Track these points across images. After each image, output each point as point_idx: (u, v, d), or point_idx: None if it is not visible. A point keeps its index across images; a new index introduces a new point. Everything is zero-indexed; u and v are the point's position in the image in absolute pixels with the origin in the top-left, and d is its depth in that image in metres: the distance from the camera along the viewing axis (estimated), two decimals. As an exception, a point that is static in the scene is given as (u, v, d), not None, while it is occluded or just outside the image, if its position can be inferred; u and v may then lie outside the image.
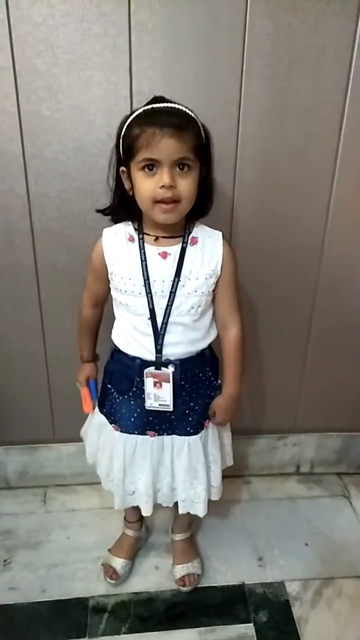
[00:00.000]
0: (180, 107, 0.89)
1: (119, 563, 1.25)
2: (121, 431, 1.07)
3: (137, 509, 1.15)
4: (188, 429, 1.06)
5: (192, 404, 1.06)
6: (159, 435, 1.06)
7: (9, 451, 1.47)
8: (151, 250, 0.96)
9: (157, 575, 1.27)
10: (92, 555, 1.31)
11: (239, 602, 1.21)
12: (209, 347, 1.07)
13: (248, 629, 1.16)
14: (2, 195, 1.17)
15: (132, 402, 1.05)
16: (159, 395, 1.02)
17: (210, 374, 1.08)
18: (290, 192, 1.23)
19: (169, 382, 1.00)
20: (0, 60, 1.05)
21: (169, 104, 0.89)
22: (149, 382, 1.01)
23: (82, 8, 1.03)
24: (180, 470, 1.08)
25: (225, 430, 1.17)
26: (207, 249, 0.98)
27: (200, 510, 1.12)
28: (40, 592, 1.22)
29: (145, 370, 1.01)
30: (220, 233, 1.01)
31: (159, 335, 0.99)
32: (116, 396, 1.07)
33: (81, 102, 1.10)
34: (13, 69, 1.06)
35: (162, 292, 0.96)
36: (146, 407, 1.03)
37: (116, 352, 1.06)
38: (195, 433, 1.06)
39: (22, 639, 1.13)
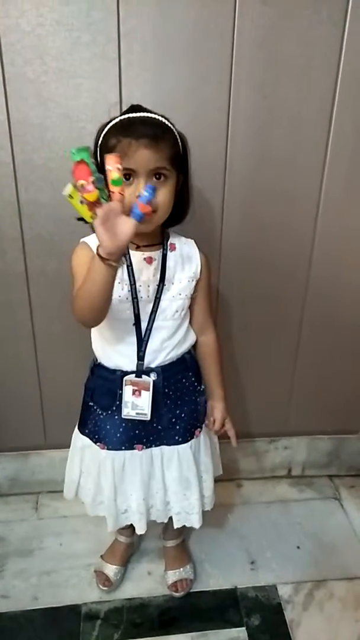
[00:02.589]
0: (157, 116, 0.89)
1: (111, 570, 1.25)
2: (108, 448, 1.05)
3: None
4: (176, 437, 1.06)
5: (177, 412, 1.06)
6: (147, 447, 1.05)
7: (0, 458, 1.46)
8: (136, 255, 0.97)
9: (150, 580, 1.27)
10: (84, 562, 1.30)
11: (232, 606, 1.22)
12: (189, 352, 1.08)
13: (241, 632, 1.16)
14: (-8, 202, 1.17)
15: (116, 417, 1.04)
16: (136, 403, 1.01)
17: (193, 379, 1.09)
18: (279, 200, 1.24)
19: (148, 390, 1.00)
20: (-11, 68, 1.05)
21: (144, 114, 0.89)
22: (127, 390, 1.00)
23: (72, 17, 1.03)
24: (172, 482, 1.07)
25: (213, 438, 1.17)
26: (185, 254, 1.02)
27: (195, 521, 1.11)
28: (32, 599, 1.21)
29: (125, 378, 1.00)
30: (193, 240, 1.04)
31: (142, 342, 0.99)
32: (99, 412, 1.06)
33: (70, 109, 1.10)
34: (2, 77, 1.06)
35: (148, 297, 0.97)
36: (122, 415, 1.02)
37: (96, 366, 1.06)
38: (184, 442, 1.06)
39: (15, 648, 1.12)
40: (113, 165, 0.77)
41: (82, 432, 1.10)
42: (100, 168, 0.81)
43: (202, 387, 1.11)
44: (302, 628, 1.17)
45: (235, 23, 1.07)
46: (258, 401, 1.50)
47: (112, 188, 0.78)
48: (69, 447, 1.22)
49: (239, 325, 1.39)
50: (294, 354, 1.45)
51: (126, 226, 0.78)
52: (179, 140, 0.91)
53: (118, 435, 1.04)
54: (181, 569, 1.25)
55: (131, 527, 1.28)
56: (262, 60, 1.11)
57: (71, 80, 1.08)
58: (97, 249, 0.81)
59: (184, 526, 1.13)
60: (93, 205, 0.78)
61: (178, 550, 1.29)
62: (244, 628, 1.17)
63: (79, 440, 1.11)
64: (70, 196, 0.80)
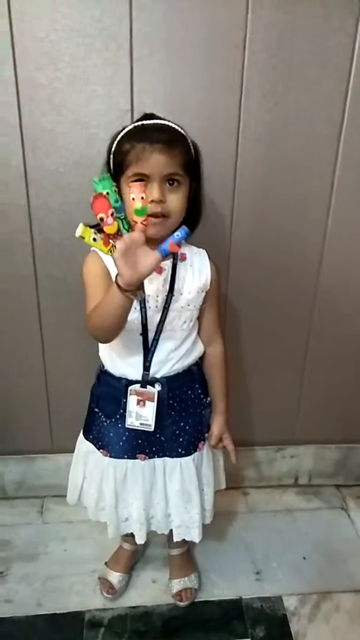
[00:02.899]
0: (170, 123, 0.91)
1: (115, 577, 1.24)
2: (110, 456, 1.05)
3: None
4: (180, 450, 1.05)
5: (182, 424, 1.05)
6: (149, 458, 1.05)
7: (7, 461, 1.46)
8: None
9: (154, 589, 1.26)
10: (88, 568, 1.30)
11: (236, 617, 1.20)
12: (196, 363, 1.07)
13: (245, 644, 1.15)
14: (3, 206, 1.17)
15: (119, 425, 1.03)
16: (140, 414, 1.00)
17: (199, 391, 1.08)
18: (289, 207, 1.24)
19: (153, 401, 0.99)
20: (2, 72, 1.06)
21: (159, 121, 0.91)
22: (132, 400, 1.00)
23: (84, 23, 1.04)
24: (173, 494, 1.06)
25: (219, 452, 1.16)
26: (196, 264, 1.01)
27: (195, 535, 1.10)
28: (36, 605, 1.21)
29: (130, 388, 1.00)
30: (204, 250, 1.04)
31: (148, 352, 0.98)
32: (104, 420, 1.05)
33: (82, 115, 1.10)
34: (15, 82, 1.07)
35: (157, 307, 0.96)
36: (126, 425, 1.01)
37: (102, 373, 1.06)
38: (188, 454, 1.05)
39: (17, 654, 1.12)
40: (137, 195, 0.77)
41: (87, 438, 1.10)
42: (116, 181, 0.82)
43: (209, 399, 1.11)
44: (308, 640, 1.16)
45: (247, 30, 1.07)
46: (265, 409, 1.49)
47: (135, 218, 0.78)
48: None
49: (247, 331, 1.38)
50: (302, 361, 1.44)
51: (149, 259, 0.77)
52: (192, 148, 0.92)
53: (121, 443, 1.04)
54: (186, 578, 1.24)
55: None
56: (273, 67, 1.11)
57: (83, 86, 1.08)
58: (116, 278, 0.80)
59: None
60: (113, 237, 0.78)
61: (183, 558, 1.28)
62: (248, 639, 1.15)
63: (83, 445, 1.11)
64: (82, 237, 0.80)
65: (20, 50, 1.05)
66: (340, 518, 1.50)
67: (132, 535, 1.26)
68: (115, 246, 0.77)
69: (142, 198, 0.78)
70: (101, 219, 0.78)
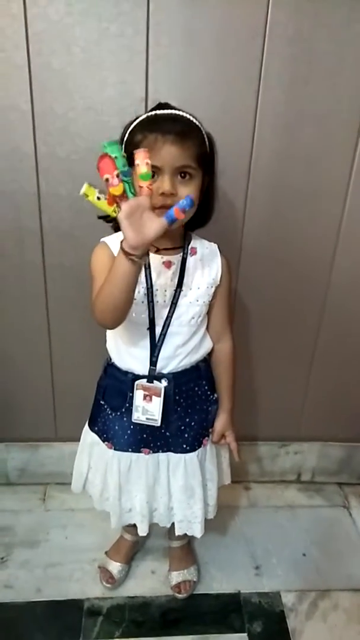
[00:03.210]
0: (184, 114, 0.87)
1: (115, 567, 1.25)
2: (115, 449, 1.05)
3: None
4: (184, 445, 1.04)
5: (187, 420, 1.04)
6: (153, 452, 1.04)
7: (10, 448, 1.47)
8: (155, 258, 0.94)
9: (153, 579, 1.27)
10: (89, 557, 1.31)
11: (234, 610, 1.21)
12: (204, 360, 1.06)
13: (242, 638, 1.15)
14: (12, 193, 1.16)
15: (125, 419, 1.03)
16: (147, 409, 1.00)
17: (206, 387, 1.07)
18: (304, 200, 1.21)
19: (159, 396, 0.99)
20: (15, 57, 1.04)
21: (172, 111, 0.88)
22: (138, 395, 0.99)
23: (100, 7, 1.01)
24: (176, 489, 1.06)
25: (223, 447, 1.15)
26: (206, 259, 0.99)
27: (197, 530, 1.10)
28: (35, 591, 1.22)
29: (136, 382, 0.99)
30: (216, 245, 1.02)
31: (155, 347, 0.97)
32: (109, 412, 1.05)
33: (95, 102, 1.08)
34: (28, 67, 1.05)
35: (164, 301, 0.95)
36: (132, 420, 1.01)
37: (109, 366, 1.05)
38: (192, 450, 1.04)
39: (15, 639, 1.13)
40: (142, 160, 0.76)
41: (92, 429, 1.10)
42: (129, 162, 0.79)
43: (215, 395, 1.10)
44: (304, 637, 1.16)
45: (268, 17, 1.04)
46: (271, 404, 1.48)
47: (141, 182, 0.77)
48: (79, 440, 1.21)
49: (255, 326, 1.36)
50: (309, 358, 1.43)
51: (154, 224, 0.76)
52: (206, 140, 0.89)
53: (126, 437, 1.03)
54: (185, 571, 1.25)
55: (136, 526, 1.28)
56: (293, 56, 1.07)
57: (97, 72, 1.06)
58: (121, 243, 0.79)
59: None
60: (119, 199, 0.77)
61: (183, 551, 1.29)
62: (245, 634, 1.16)
63: (88, 436, 1.11)
64: (86, 194, 0.78)
65: (34, 34, 1.02)
66: (341, 516, 1.50)
67: (134, 526, 1.27)
68: (119, 207, 0.75)
69: (147, 163, 0.76)
70: (107, 180, 0.76)
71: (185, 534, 1.26)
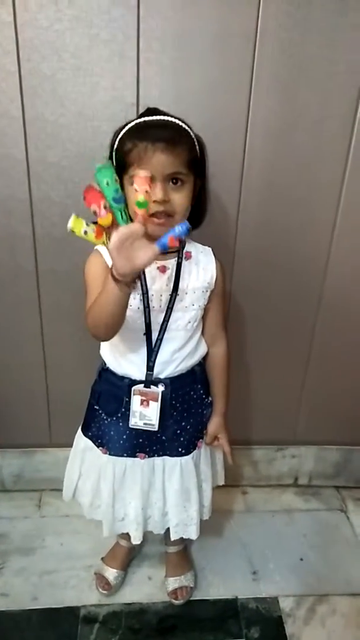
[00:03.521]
0: (174, 119, 0.87)
1: (111, 573, 1.24)
2: (109, 454, 1.04)
3: None
4: (180, 449, 1.04)
5: (183, 424, 1.04)
6: (149, 457, 1.04)
7: (5, 454, 1.46)
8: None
9: (150, 586, 1.26)
10: (85, 563, 1.30)
11: (232, 616, 1.20)
12: (199, 364, 1.06)
13: (240, 644, 1.15)
14: (4, 199, 1.16)
15: (120, 424, 1.02)
16: (144, 414, 1.00)
17: (201, 391, 1.07)
18: (297, 205, 1.21)
19: (157, 401, 0.98)
20: (5, 63, 1.04)
21: (161, 117, 0.87)
22: (135, 400, 0.99)
23: (91, 13, 1.01)
24: (172, 493, 1.06)
25: (217, 449, 1.15)
26: (201, 263, 0.99)
27: (192, 532, 1.10)
28: (31, 599, 1.21)
29: (133, 388, 0.99)
30: (210, 248, 1.02)
31: (152, 352, 0.97)
32: (104, 417, 1.05)
33: (86, 107, 1.08)
34: (18, 73, 1.05)
35: (160, 307, 0.95)
36: (129, 425, 1.01)
37: (104, 371, 1.04)
38: (187, 453, 1.05)
39: (12, 647, 1.12)
40: (141, 187, 0.74)
41: (85, 435, 1.09)
42: (119, 173, 0.79)
43: (210, 399, 1.10)
44: (302, 643, 1.15)
45: (258, 24, 1.04)
46: (267, 408, 1.48)
47: (137, 210, 0.75)
48: (74, 446, 1.21)
49: (250, 329, 1.36)
50: (305, 361, 1.42)
51: (146, 252, 0.74)
52: (196, 144, 0.89)
53: (121, 442, 1.03)
54: (182, 576, 1.24)
55: (131, 533, 1.27)
56: (284, 63, 1.08)
57: (88, 77, 1.06)
58: (111, 269, 0.78)
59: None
60: (108, 229, 0.74)
61: (180, 556, 1.28)
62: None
63: (81, 441, 1.10)
64: (72, 230, 0.77)
65: (24, 40, 1.02)
66: (339, 520, 1.49)
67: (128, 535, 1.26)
68: (109, 237, 0.73)
69: (147, 191, 0.74)
70: (94, 212, 0.75)
71: (182, 539, 1.25)
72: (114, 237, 0.72)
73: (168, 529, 1.13)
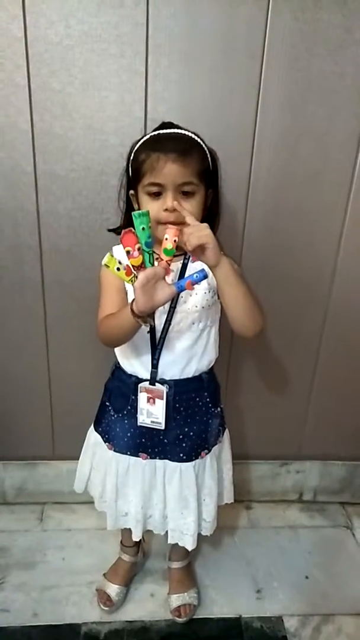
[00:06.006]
0: (186, 132, 0.91)
1: (113, 589, 1.22)
2: (114, 450, 1.07)
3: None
4: (181, 455, 1.05)
5: (186, 429, 1.05)
6: (151, 458, 1.06)
7: (8, 466, 1.45)
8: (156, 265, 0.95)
9: (153, 603, 1.24)
10: (86, 579, 1.28)
11: (235, 636, 1.18)
12: (208, 372, 1.06)
13: (243, 665, 1.12)
14: (12, 211, 1.16)
15: (126, 421, 1.05)
16: (151, 411, 1.02)
17: (207, 399, 1.07)
18: (303, 218, 1.21)
19: (162, 399, 1.01)
20: (15, 77, 1.05)
21: (175, 130, 0.92)
22: (142, 397, 1.02)
23: (100, 29, 1.03)
24: (171, 497, 1.07)
25: (226, 464, 1.15)
26: (203, 264, 0.98)
27: (188, 543, 1.10)
28: (32, 615, 1.19)
29: (140, 385, 1.01)
30: None
31: (156, 350, 0.99)
32: (112, 414, 1.07)
33: (95, 121, 1.09)
34: (28, 87, 1.06)
35: (164, 307, 0.96)
36: (138, 423, 1.03)
37: (117, 369, 1.08)
38: (189, 460, 1.05)
39: (11, 665, 1.10)
40: (171, 237, 0.84)
41: (96, 430, 1.12)
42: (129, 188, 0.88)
43: (217, 409, 1.09)
44: (308, 664, 1.13)
45: (265, 39, 1.05)
46: (272, 423, 1.46)
47: (163, 256, 0.85)
48: (77, 459, 1.20)
49: (255, 343, 1.35)
50: (310, 376, 1.41)
51: (165, 292, 0.84)
52: (208, 156, 0.92)
53: (125, 439, 1.06)
54: (185, 594, 1.22)
55: (135, 547, 1.26)
56: (291, 77, 1.08)
57: (97, 92, 1.07)
58: (131, 303, 0.86)
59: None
60: (136, 269, 0.85)
61: (183, 573, 1.26)
62: (247, 660, 1.13)
63: (92, 436, 1.14)
64: (107, 265, 0.87)
65: (34, 55, 1.04)
66: (344, 537, 1.47)
67: (133, 547, 1.25)
68: (137, 276, 0.84)
69: (175, 241, 0.84)
70: (128, 252, 0.85)
71: (186, 555, 1.25)
72: (141, 275, 0.82)
73: (173, 545, 1.12)
